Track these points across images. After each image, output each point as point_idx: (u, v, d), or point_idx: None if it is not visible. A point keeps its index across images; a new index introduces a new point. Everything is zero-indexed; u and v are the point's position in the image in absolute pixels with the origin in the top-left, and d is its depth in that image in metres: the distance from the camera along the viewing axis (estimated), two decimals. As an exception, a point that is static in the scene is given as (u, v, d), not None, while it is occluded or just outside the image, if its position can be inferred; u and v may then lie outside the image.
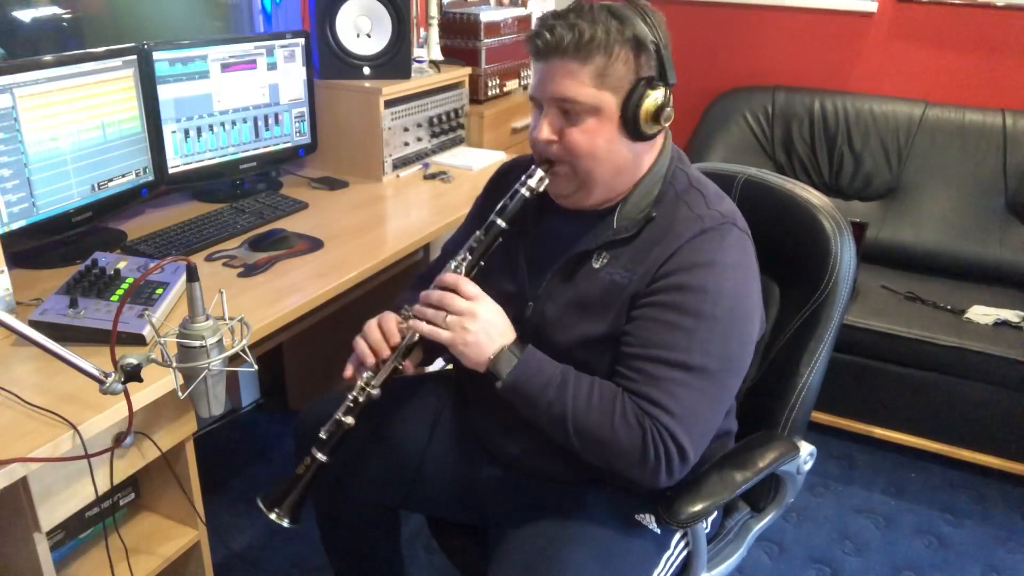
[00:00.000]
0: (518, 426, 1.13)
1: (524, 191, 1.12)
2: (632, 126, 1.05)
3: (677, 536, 1.18)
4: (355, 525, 1.41)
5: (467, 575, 1.33)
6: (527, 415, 1.09)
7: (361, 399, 1.15)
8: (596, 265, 1.11)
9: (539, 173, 1.11)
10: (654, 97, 1.04)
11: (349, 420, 1.15)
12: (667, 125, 1.08)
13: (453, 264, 1.14)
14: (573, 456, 1.08)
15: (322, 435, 1.15)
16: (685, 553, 1.20)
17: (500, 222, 1.13)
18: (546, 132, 1.07)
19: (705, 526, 1.22)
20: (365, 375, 1.16)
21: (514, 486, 1.23)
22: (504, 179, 1.26)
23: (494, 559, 1.14)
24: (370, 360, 1.16)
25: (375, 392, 1.15)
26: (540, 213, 1.19)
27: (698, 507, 1.07)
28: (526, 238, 1.20)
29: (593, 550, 1.08)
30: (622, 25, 1.02)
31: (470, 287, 1.10)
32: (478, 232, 1.15)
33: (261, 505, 1.15)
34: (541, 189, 1.12)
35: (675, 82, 1.05)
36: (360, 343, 1.19)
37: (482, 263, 1.15)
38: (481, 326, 1.08)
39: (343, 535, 1.44)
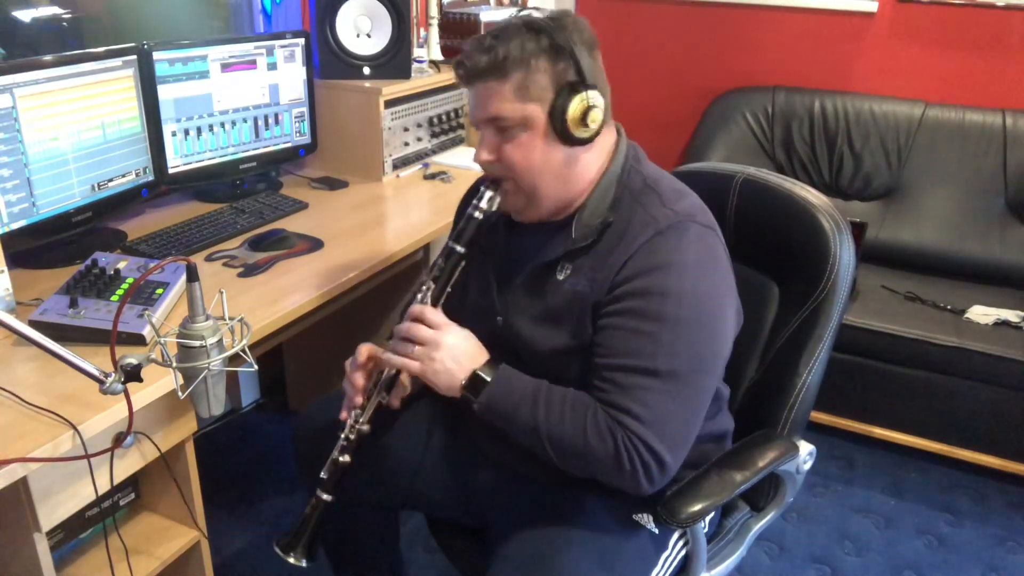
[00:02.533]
0: None
1: (476, 214, 1.14)
2: (563, 132, 1.05)
3: (675, 536, 1.18)
4: (355, 525, 1.41)
5: (467, 575, 1.33)
6: (507, 432, 1.11)
7: (353, 437, 1.19)
8: (560, 276, 1.12)
9: (488, 194, 1.13)
10: (577, 101, 1.04)
11: (345, 459, 1.19)
12: (595, 127, 1.06)
13: (419, 295, 1.17)
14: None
15: (323, 475, 1.20)
16: (684, 553, 1.20)
17: (457, 247, 1.15)
18: (484, 153, 1.10)
19: (704, 526, 1.22)
20: (354, 413, 1.20)
21: (511, 488, 1.23)
22: (476, 193, 1.28)
23: (493, 561, 1.14)
24: (357, 400, 1.20)
25: (365, 428, 1.19)
26: (508, 228, 1.20)
27: (697, 507, 1.07)
28: (495, 254, 1.21)
29: (591, 551, 1.09)
30: (537, 36, 1.04)
31: (434, 316, 1.12)
32: (438, 259, 1.17)
33: (277, 549, 1.22)
34: (493, 208, 1.14)
35: (595, 83, 1.05)
36: (346, 384, 1.22)
37: (449, 289, 1.16)
38: (447, 353, 1.09)
39: (343, 535, 1.44)
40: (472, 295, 1.22)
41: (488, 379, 1.08)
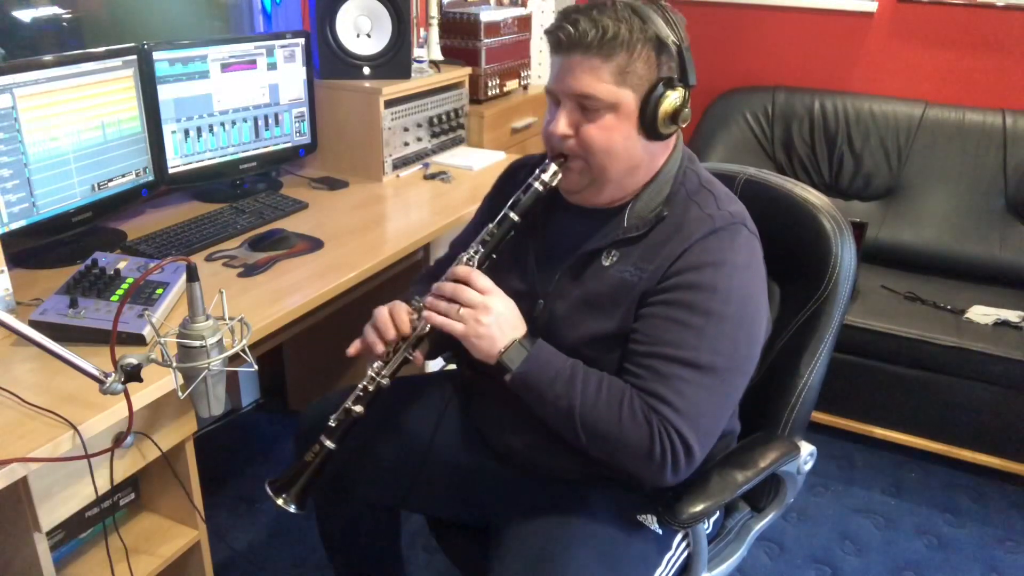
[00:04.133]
0: (521, 421, 1.14)
1: (537, 185, 1.12)
2: (650, 125, 1.05)
3: (679, 536, 1.18)
4: (356, 525, 1.41)
5: (467, 575, 1.33)
6: (535, 409, 1.09)
7: (371, 388, 1.15)
8: (606, 263, 1.12)
9: (552, 167, 1.11)
10: (673, 98, 1.05)
11: (359, 409, 1.14)
12: (684, 126, 1.09)
13: (465, 257, 1.15)
14: (576, 453, 1.09)
15: (331, 423, 1.15)
16: (686, 553, 1.20)
17: (513, 215, 1.13)
18: (563, 127, 1.07)
19: (706, 526, 1.22)
20: (376, 364, 1.16)
21: (516, 484, 1.23)
22: (514, 176, 1.27)
23: (495, 557, 1.14)
24: (379, 348, 1.16)
25: (385, 382, 1.15)
26: (550, 212, 1.19)
27: (699, 507, 1.07)
28: (536, 236, 1.20)
29: (595, 550, 1.09)
30: (644, 24, 1.03)
31: (483, 280, 1.10)
32: (490, 225, 1.15)
33: (269, 490, 1.15)
34: (554, 183, 1.12)
35: (695, 83, 1.06)
36: (369, 330, 1.18)
37: (494, 256, 1.15)
38: (494, 319, 1.08)
39: (343, 535, 1.44)
40: (510, 280, 1.19)
41: (527, 351, 1.07)
